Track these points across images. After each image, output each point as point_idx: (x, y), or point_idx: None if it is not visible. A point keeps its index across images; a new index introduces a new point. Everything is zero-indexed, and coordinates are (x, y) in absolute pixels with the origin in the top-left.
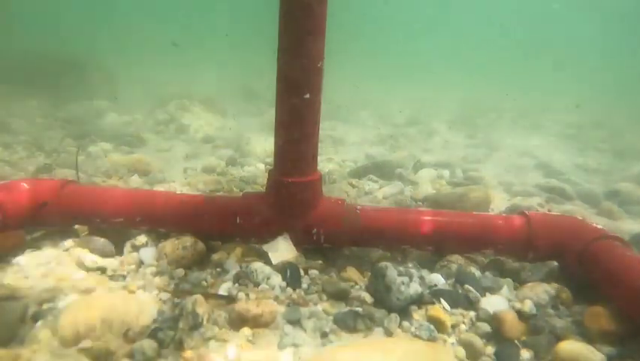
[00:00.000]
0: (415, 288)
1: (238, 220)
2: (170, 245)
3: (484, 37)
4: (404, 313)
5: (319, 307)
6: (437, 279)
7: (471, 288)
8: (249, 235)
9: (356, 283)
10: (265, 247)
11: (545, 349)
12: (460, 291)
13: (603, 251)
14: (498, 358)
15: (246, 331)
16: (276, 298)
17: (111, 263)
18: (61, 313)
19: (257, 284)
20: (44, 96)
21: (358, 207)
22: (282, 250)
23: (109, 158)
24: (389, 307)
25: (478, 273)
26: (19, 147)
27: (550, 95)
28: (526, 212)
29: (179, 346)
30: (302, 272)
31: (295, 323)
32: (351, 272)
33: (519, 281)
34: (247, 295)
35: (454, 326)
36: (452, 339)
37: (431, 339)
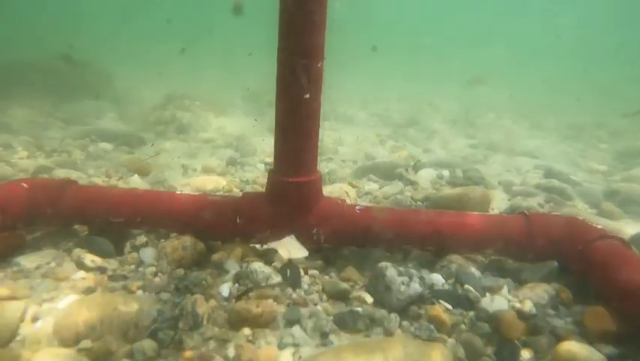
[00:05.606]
0: (415, 288)
1: (238, 220)
2: (170, 245)
3: (485, 36)
4: (404, 313)
5: (319, 307)
6: (437, 279)
7: (471, 288)
8: (249, 235)
9: (356, 283)
10: (275, 245)
11: (545, 349)
12: (460, 291)
13: (603, 251)
14: (498, 358)
15: (246, 331)
16: (276, 298)
17: (111, 263)
18: (61, 314)
19: (257, 284)
20: (44, 96)
21: (358, 207)
22: (294, 248)
23: (110, 158)
24: (389, 307)
25: (478, 273)
26: (19, 147)
27: (549, 95)
28: (526, 212)
29: (179, 346)
30: (302, 272)
31: (295, 323)
32: (351, 272)
33: (519, 281)
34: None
35: (454, 326)
36: (452, 339)
37: (431, 339)
